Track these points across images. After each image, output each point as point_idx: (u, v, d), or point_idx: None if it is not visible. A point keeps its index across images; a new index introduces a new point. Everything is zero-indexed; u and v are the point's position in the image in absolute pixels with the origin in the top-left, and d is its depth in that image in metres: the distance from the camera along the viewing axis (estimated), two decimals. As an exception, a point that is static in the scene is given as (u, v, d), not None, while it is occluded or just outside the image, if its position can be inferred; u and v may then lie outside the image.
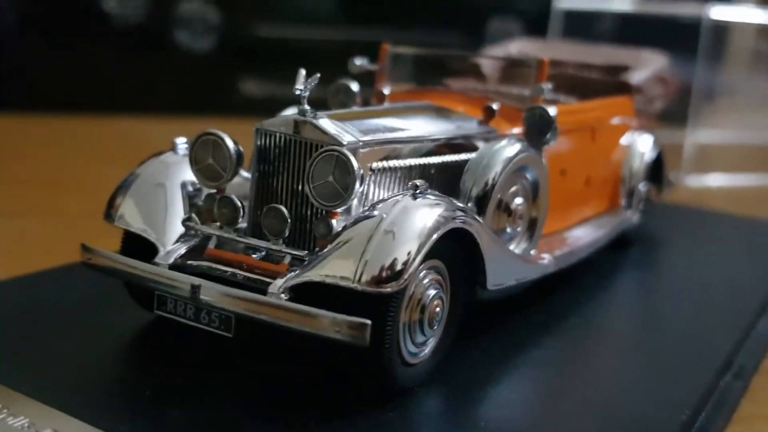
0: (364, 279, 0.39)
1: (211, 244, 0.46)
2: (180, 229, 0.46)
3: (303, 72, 0.47)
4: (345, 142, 0.44)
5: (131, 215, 0.47)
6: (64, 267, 0.56)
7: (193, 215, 0.47)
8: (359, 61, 0.62)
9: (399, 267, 0.40)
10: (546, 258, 0.54)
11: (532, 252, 0.53)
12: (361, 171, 0.43)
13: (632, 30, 1.49)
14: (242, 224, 0.47)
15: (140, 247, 0.46)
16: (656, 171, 0.73)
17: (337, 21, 1.56)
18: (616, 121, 0.68)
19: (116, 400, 0.41)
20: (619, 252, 0.69)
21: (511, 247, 0.52)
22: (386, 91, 0.59)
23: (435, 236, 0.41)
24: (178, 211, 0.47)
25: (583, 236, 0.62)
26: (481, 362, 0.47)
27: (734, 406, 0.48)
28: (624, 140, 0.69)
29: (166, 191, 0.48)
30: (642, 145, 0.70)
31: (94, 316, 0.50)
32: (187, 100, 1.50)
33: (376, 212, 0.42)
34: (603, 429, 0.42)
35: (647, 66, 0.72)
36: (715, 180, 1.23)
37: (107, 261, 0.45)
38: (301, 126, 0.45)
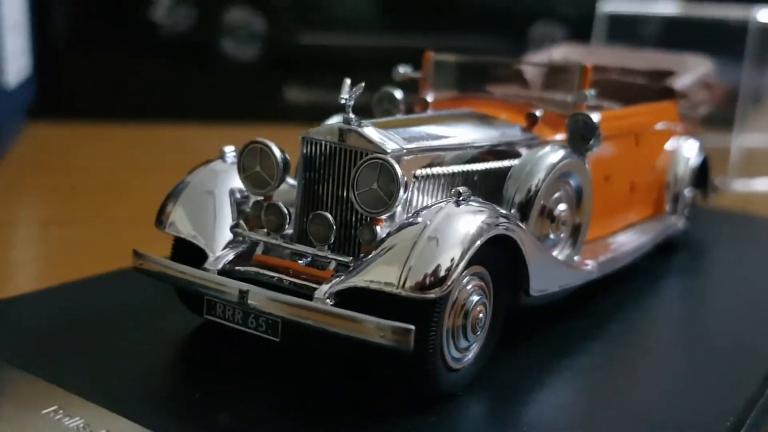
0: (408, 285, 0.40)
1: (259, 250, 0.47)
2: (228, 236, 0.47)
3: (348, 81, 0.48)
4: (389, 150, 0.45)
5: (181, 222, 0.48)
6: (115, 272, 0.57)
7: (241, 222, 0.48)
8: (403, 69, 0.63)
9: (442, 273, 0.40)
10: (590, 264, 0.54)
11: (576, 258, 0.54)
12: (405, 178, 0.44)
13: (677, 33, 1.47)
14: (289, 230, 0.47)
15: (190, 253, 0.47)
16: (702, 176, 0.73)
17: (380, 28, 1.57)
18: (660, 126, 0.68)
19: (167, 402, 0.42)
20: (664, 258, 0.69)
21: (555, 253, 0.52)
22: (429, 98, 0.60)
23: (478, 243, 0.42)
24: (226, 217, 0.48)
25: (628, 242, 0.62)
26: (524, 367, 0.48)
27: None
28: (669, 145, 0.69)
29: (215, 198, 0.49)
30: (687, 151, 0.70)
31: (145, 320, 0.51)
32: (234, 107, 1.52)
33: (420, 219, 0.43)
34: (646, 435, 0.42)
35: (692, 71, 0.72)
36: (763, 185, 1.22)
37: (158, 266, 0.46)
38: (346, 134, 0.46)
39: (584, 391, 0.48)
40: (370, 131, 0.46)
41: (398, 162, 0.45)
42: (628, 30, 1.43)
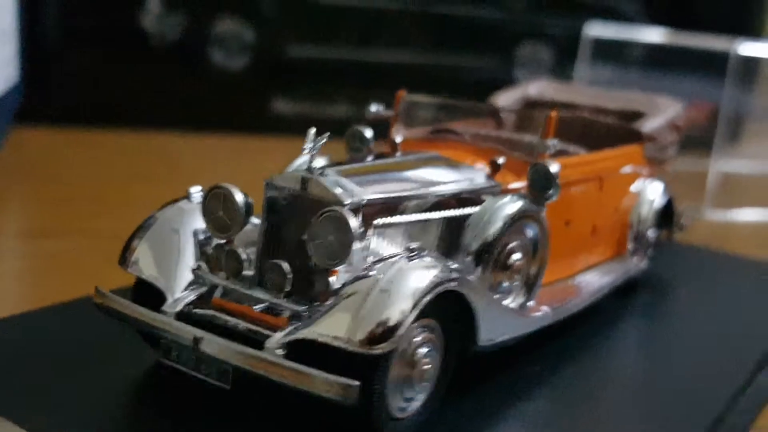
0: (355, 340, 0.41)
1: (218, 293, 0.48)
2: (190, 276, 0.49)
3: (312, 131, 0.49)
4: (347, 202, 0.46)
5: (145, 260, 0.49)
6: (83, 299, 0.58)
7: (203, 264, 0.49)
8: (375, 108, 0.64)
9: (390, 329, 0.41)
10: (544, 310, 0.55)
11: (530, 304, 0.55)
12: (361, 230, 0.45)
13: (661, 58, 1.49)
14: (250, 271, 0.49)
15: (153, 290, 0.49)
16: (667, 216, 0.74)
17: (366, 43, 1.58)
18: (625, 169, 0.69)
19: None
20: (624, 298, 0.71)
21: (508, 300, 0.53)
22: (398, 139, 0.61)
23: (426, 298, 0.43)
24: (189, 258, 0.49)
25: (587, 284, 0.63)
26: (473, 414, 0.49)
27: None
28: (634, 187, 0.71)
29: (179, 238, 0.50)
30: (651, 192, 0.71)
31: (106, 353, 0.52)
32: (222, 116, 1.54)
33: (372, 272, 0.44)
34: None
35: (661, 113, 0.73)
36: (740, 215, 1.23)
37: (118, 306, 0.47)
38: (307, 183, 0.47)
39: None
40: (331, 181, 0.47)
41: (357, 213, 0.46)
42: (613, 54, 1.45)
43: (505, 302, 0.53)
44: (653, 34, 1.39)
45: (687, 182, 1.03)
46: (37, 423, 0.43)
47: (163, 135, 1.48)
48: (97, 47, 1.44)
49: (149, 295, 0.49)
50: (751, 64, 1.22)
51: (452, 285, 0.45)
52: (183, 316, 0.46)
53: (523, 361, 0.56)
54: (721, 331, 0.67)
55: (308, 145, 0.48)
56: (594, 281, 0.64)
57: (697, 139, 1.28)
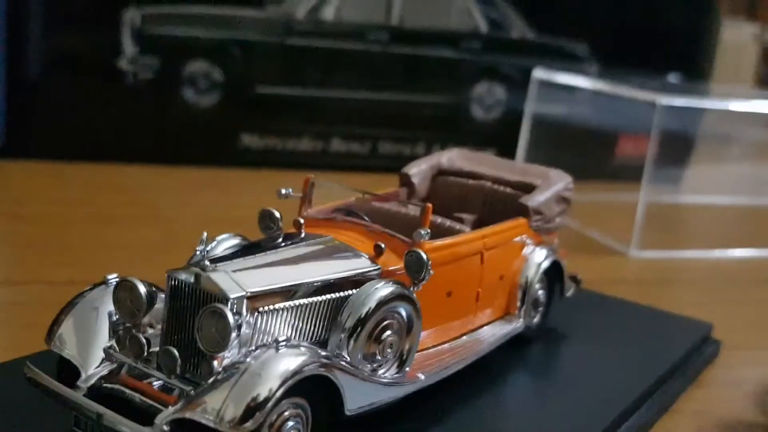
0: (224, 419, 0.50)
1: (124, 371, 0.57)
2: (102, 354, 0.58)
3: (205, 234, 0.58)
4: (231, 297, 0.55)
5: (67, 338, 0.59)
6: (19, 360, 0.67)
7: (114, 344, 0.58)
8: (285, 191, 0.73)
9: (255, 409, 0.51)
10: (417, 376, 0.65)
11: (405, 372, 0.64)
12: (240, 321, 0.54)
13: (596, 102, 1.59)
14: (156, 348, 0.58)
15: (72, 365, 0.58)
16: (558, 277, 0.84)
17: (330, 81, 1.67)
18: (513, 240, 0.78)
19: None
20: (514, 352, 0.80)
21: (382, 370, 0.63)
22: (302, 220, 0.70)
23: (291, 381, 0.52)
24: (103, 338, 0.59)
25: (470, 345, 0.72)
26: None
27: None
28: (522, 254, 0.80)
29: (97, 319, 0.60)
30: (538, 257, 0.80)
31: (38, 417, 0.61)
32: (194, 150, 1.64)
33: (248, 359, 0.53)
34: None
35: (550, 187, 0.82)
36: (668, 254, 1.32)
37: (43, 381, 0.57)
38: (199, 278, 0.56)
39: None
40: (220, 278, 0.56)
41: (241, 304, 0.55)
42: (556, 95, 1.55)
43: (380, 372, 0.63)
44: (589, 82, 1.48)
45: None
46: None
47: (137, 169, 1.58)
48: (75, 86, 1.54)
49: (70, 366, 0.58)
50: (674, 113, 1.31)
51: (315, 369, 0.54)
52: (94, 389, 0.56)
53: (402, 419, 0.65)
54: (593, 380, 0.77)
55: (200, 247, 0.57)
56: (478, 342, 0.73)
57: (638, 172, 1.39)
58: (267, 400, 0.51)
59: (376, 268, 0.65)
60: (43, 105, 1.51)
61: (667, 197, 1.73)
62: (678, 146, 1.90)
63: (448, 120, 1.72)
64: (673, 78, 1.84)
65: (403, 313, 0.64)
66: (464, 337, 0.74)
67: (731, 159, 2.08)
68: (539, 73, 1.54)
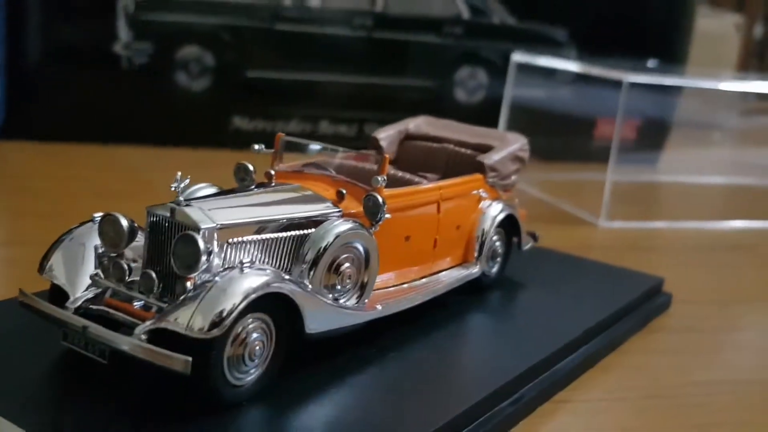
0: (194, 328, 0.57)
1: (108, 294, 0.64)
2: (89, 281, 0.65)
3: (179, 173, 0.65)
4: (202, 227, 0.62)
5: (57, 268, 0.66)
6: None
7: (99, 271, 0.65)
8: (257, 147, 0.79)
9: (221, 319, 0.57)
10: (376, 307, 0.71)
11: (363, 303, 0.71)
12: (210, 248, 0.61)
13: (575, 87, 1.66)
14: (135, 277, 0.65)
15: (62, 291, 0.65)
16: (515, 230, 0.91)
17: (318, 65, 1.74)
18: (470, 193, 0.85)
19: (31, 405, 0.59)
20: (474, 297, 0.87)
21: (343, 300, 0.69)
22: (273, 172, 0.77)
23: (253, 296, 0.59)
24: (90, 267, 0.66)
25: (425, 286, 0.79)
26: (304, 385, 0.65)
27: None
28: (479, 207, 0.87)
29: (84, 251, 0.67)
30: (493, 211, 0.87)
31: (32, 341, 0.68)
32: (186, 133, 1.70)
33: (216, 279, 0.60)
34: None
35: (506, 147, 0.89)
36: (632, 224, 1.39)
37: (34, 303, 0.64)
38: (174, 212, 0.63)
39: (351, 407, 0.65)
40: (192, 211, 0.63)
41: (211, 234, 0.62)
42: (536, 80, 1.62)
43: (341, 301, 0.69)
44: (566, 63, 1.55)
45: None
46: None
47: (131, 150, 1.65)
48: (72, 70, 1.61)
49: (61, 295, 0.65)
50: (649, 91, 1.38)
51: (276, 288, 0.61)
52: (80, 310, 0.63)
53: (360, 347, 0.72)
54: (550, 319, 0.84)
55: (174, 184, 0.64)
56: (435, 282, 0.80)
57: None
58: (231, 311, 0.58)
59: (337, 210, 0.72)
60: (42, 88, 1.58)
61: (642, 177, 1.80)
62: (655, 131, 1.97)
63: (431, 103, 1.79)
64: (651, 63, 1.91)
65: (360, 248, 0.71)
66: (423, 279, 0.80)
67: (708, 144, 2.14)
68: (518, 57, 1.61)
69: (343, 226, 0.69)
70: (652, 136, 1.98)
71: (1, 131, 1.50)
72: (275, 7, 1.66)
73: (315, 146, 0.81)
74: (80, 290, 0.64)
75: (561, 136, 1.81)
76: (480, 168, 0.87)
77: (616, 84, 1.44)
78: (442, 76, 1.79)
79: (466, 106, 1.81)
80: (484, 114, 1.79)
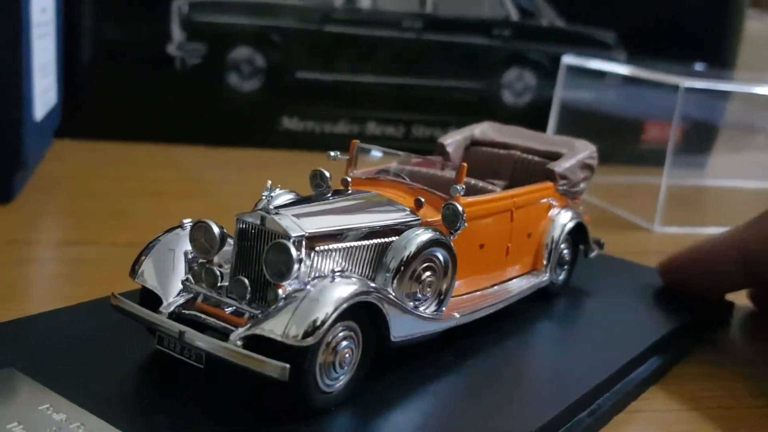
0: (290, 335, 0.58)
1: (200, 299, 0.66)
2: (180, 286, 0.66)
3: (269, 182, 0.66)
4: (293, 236, 0.63)
5: (148, 273, 0.67)
6: (103, 299, 0.76)
7: (190, 277, 0.67)
8: (333, 154, 0.81)
9: (315, 327, 0.59)
10: (453, 315, 0.72)
11: (441, 311, 0.72)
12: (301, 255, 0.62)
13: (623, 89, 1.66)
14: (226, 282, 0.66)
15: (153, 295, 0.66)
16: (583, 238, 0.91)
17: (366, 67, 1.75)
18: (540, 201, 0.86)
19: (124, 405, 0.61)
20: (542, 305, 0.87)
21: (423, 307, 0.70)
22: (349, 178, 0.78)
23: (345, 305, 0.60)
24: (180, 272, 0.67)
25: (499, 293, 0.80)
26: (390, 390, 0.66)
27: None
28: (549, 215, 0.87)
29: (174, 256, 0.68)
30: (563, 219, 0.88)
31: (122, 341, 0.70)
32: (237, 133, 1.72)
33: (308, 287, 0.61)
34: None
35: (575, 155, 0.90)
36: (688, 230, 1.39)
37: (128, 307, 0.65)
38: (265, 220, 0.65)
39: (435, 415, 0.66)
40: (282, 219, 0.64)
41: (300, 243, 0.63)
42: (585, 82, 1.62)
43: (421, 309, 0.70)
44: (617, 66, 1.55)
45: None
46: (65, 388, 0.61)
47: (183, 149, 1.67)
48: (126, 72, 1.64)
49: (151, 298, 0.66)
50: (699, 102, 1.38)
51: (365, 297, 0.62)
52: (174, 315, 0.64)
53: (440, 353, 0.73)
54: (616, 329, 0.84)
55: (265, 193, 0.65)
56: (507, 291, 0.81)
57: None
58: (324, 320, 0.59)
59: (416, 218, 0.73)
60: (97, 89, 1.61)
61: (691, 181, 1.79)
62: (703, 134, 1.96)
63: (479, 105, 1.80)
64: (699, 67, 1.90)
65: (441, 257, 0.72)
66: (495, 287, 0.81)
67: (755, 147, 2.13)
68: (568, 59, 1.61)
69: (425, 235, 0.70)
70: (697, 139, 1.97)
71: (58, 131, 1.53)
72: (326, 9, 1.68)
73: (379, 152, 0.83)
74: (172, 295, 0.66)
75: (609, 139, 1.81)
76: (550, 176, 0.88)
77: (666, 87, 1.44)
78: (489, 77, 1.80)
79: (513, 108, 1.81)
80: (531, 116, 1.79)
